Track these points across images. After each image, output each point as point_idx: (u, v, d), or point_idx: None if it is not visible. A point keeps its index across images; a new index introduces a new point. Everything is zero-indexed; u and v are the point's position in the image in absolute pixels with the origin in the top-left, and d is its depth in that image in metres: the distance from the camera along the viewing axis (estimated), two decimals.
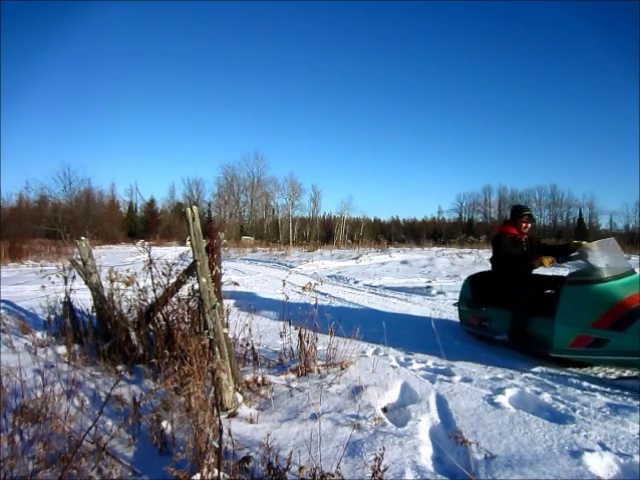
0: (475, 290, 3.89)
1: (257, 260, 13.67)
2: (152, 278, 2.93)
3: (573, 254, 3.24)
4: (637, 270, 3.21)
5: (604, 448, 1.83)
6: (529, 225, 3.53)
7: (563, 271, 3.86)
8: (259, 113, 60.53)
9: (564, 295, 2.95)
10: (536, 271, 3.51)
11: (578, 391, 2.52)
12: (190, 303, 2.64)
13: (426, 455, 1.82)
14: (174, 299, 2.75)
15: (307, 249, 19.13)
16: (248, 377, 2.58)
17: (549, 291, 3.38)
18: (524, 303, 3.21)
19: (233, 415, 2.17)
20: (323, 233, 41.48)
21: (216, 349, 2.24)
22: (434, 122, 59.38)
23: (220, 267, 2.58)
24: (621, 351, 2.67)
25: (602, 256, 3.00)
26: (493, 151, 59.79)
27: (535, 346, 3.11)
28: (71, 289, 3.47)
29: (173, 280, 2.76)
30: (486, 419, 2.12)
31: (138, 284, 3.12)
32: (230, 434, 1.80)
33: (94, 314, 3.27)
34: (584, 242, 3.18)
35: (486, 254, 13.32)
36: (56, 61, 50.16)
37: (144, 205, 38.33)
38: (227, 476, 1.54)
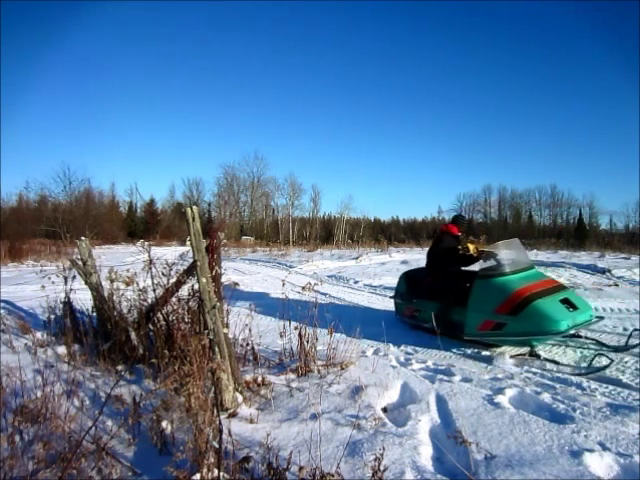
0: (409, 285, 4.42)
1: (257, 260, 13.66)
2: (152, 278, 2.93)
3: (486, 249, 3.83)
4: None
5: (604, 448, 1.83)
6: (462, 232, 4.31)
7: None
8: (259, 113, 60.18)
9: (475, 287, 3.56)
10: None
11: (578, 391, 2.52)
12: (190, 303, 2.63)
13: (426, 455, 1.83)
14: (174, 299, 2.75)
15: (307, 249, 19.11)
16: (248, 377, 2.58)
17: (468, 285, 3.75)
18: (450, 296, 3.80)
19: (233, 415, 2.17)
20: (323, 233, 41.41)
21: (216, 349, 2.24)
22: (434, 122, 59.21)
23: (220, 267, 2.58)
24: (515, 332, 3.23)
25: (506, 254, 3.67)
26: (493, 151, 59.55)
27: (454, 331, 3.62)
28: (71, 289, 3.47)
29: (173, 280, 2.76)
30: (486, 419, 2.12)
31: (138, 284, 3.12)
32: (230, 434, 1.80)
33: (94, 314, 3.27)
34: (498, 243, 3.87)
35: None
36: (56, 61, 50.02)
37: (144, 205, 38.20)
38: (227, 476, 1.54)
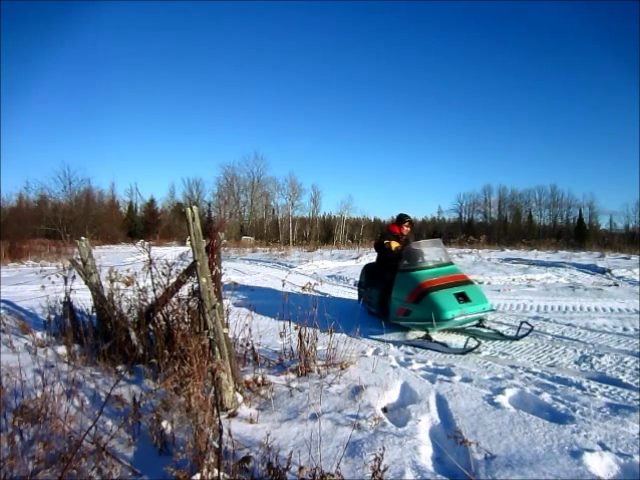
0: (366, 275, 5.07)
1: (257, 260, 13.66)
2: (152, 278, 2.93)
3: (407, 246, 4.39)
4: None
5: (604, 448, 1.83)
6: (407, 229, 4.79)
7: None
8: (259, 113, 60.30)
9: (396, 279, 4.17)
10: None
11: (578, 391, 2.52)
12: (190, 303, 2.64)
13: (426, 455, 1.82)
14: (174, 299, 2.75)
15: (307, 249, 19.10)
16: (248, 377, 2.58)
17: None
18: (385, 285, 4.34)
19: (233, 415, 2.17)
20: (323, 233, 41.39)
21: (216, 349, 2.24)
22: (434, 122, 59.21)
23: (220, 267, 2.58)
24: (417, 318, 3.81)
25: (425, 251, 4.25)
26: (493, 151, 59.58)
27: (387, 315, 4.20)
28: (71, 289, 3.47)
29: (173, 280, 2.76)
30: (486, 419, 2.12)
31: (138, 284, 3.12)
32: (230, 434, 1.80)
33: (94, 314, 3.27)
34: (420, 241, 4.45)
35: (486, 254, 13.32)
36: (56, 61, 50.08)
37: (144, 205, 38.22)
38: (227, 476, 1.54)
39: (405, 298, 3.97)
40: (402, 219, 4.80)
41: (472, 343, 3.45)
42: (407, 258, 4.22)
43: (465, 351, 3.40)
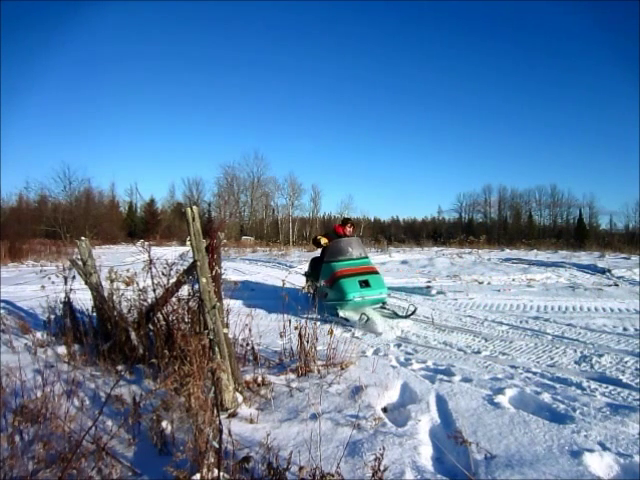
0: (311, 266, 5.88)
1: (257, 260, 13.64)
2: (152, 278, 2.92)
3: (332, 242, 5.22)
4: None
5: (604, 448, 1.83)
6: (350, 229, 5.52)
7: None
8: (259, 113, 60.13)
9: (322, 268, 5.07)
10: None
11: (578, 391, 2.52)
12: (190, 303, 2.63)
13: (426, 455, 1.83)
14: (174, 299, 2.75)
15: (307, 249, 19.09)
16: (248, 377, 2.58)
17: None
18: (318, 274, 5.17)
19: (233, 415, 2.17)
20: (323, 233, 41.24)
21: (216, 349, 2.24)
22: (434, 122, 59.09)
23: (220, 267, 2.58)
24: (332, 299, 4.80)
25: (343, 247, 5.14)
26: (493, 151, 59.45)
27: (321, 298, 4.88)
28: (71, 289, 3.47)
29: (173, 280, 2.75)
30: (486, 419, 2.12)
31: (138, 284, 3.12)
32: (230, 434, 1.80)
33: (94, 314, 3.27)
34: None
35: (486, 254, 13.32)
36: (57, 61, 49.88)
37: (144, 205, 38.15)
38: (227, 476, 1.54)
39: (326, 283, 4.90)
40: (345, 222, 5.63)
41: (363, 319, 4.38)
42: (331, 252, 5.11)
43: (361, 326, 4.28)
